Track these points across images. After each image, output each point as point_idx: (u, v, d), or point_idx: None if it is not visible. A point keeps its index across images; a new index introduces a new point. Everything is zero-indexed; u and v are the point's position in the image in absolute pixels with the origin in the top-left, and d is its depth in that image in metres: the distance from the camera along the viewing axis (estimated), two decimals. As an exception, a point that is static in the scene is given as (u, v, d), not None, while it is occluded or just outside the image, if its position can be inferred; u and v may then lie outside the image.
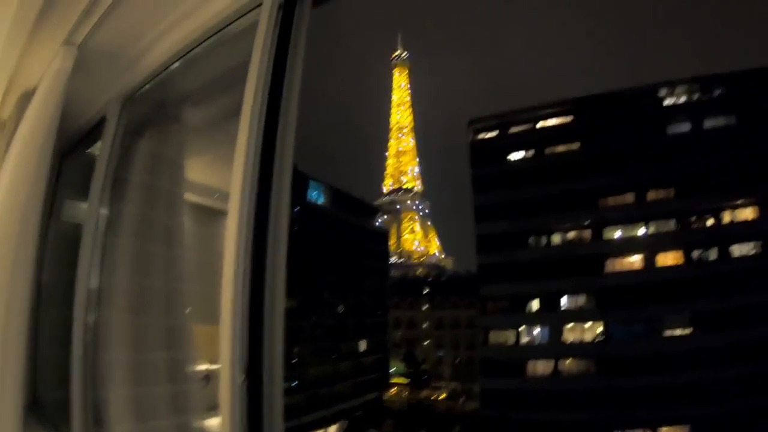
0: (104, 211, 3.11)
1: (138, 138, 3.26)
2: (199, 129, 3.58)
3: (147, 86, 3.08)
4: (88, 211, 3.14)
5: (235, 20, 2.37)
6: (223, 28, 2.44)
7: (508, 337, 54.70)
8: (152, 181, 3.19)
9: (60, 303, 3.23)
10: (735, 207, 49.19)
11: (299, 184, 66.16)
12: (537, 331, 54.11)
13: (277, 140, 1.94)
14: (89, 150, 3.85)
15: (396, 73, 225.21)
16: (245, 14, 2.29)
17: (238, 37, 2.30)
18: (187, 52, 2.71)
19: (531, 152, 58.69)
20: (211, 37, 2.53)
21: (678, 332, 48.09)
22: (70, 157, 3.96)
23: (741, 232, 48.28)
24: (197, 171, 3.85)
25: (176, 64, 2.84)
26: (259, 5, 2.15)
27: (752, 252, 47.78)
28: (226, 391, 1.75)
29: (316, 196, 70.92)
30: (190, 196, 3.61)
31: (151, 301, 3.06)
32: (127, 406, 2.88)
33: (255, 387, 1.73)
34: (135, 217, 3.12)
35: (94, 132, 3.58)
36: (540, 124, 59.86)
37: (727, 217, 49.47)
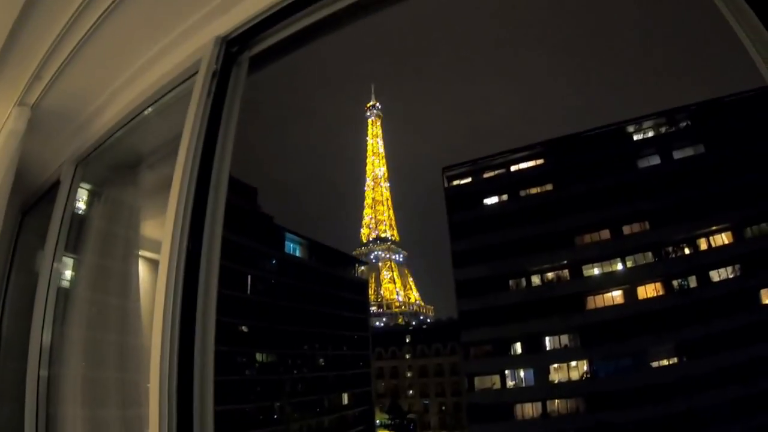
0: (57, 266, 3.13)
1: (95, 198, 3.37)
2: (156, 191, 3.69)
3: (100, 149, 3.14)
4: (42, 269, 3.16)
5: (177, 85, 2.48)
6: (167, 93, 2.56)
7: (494, 381, 53.85)
8: (106, 245, 3.25)
9: (19, 357, 3.19)
10: (710, 234, 50.06)
11: (276, 237, 66.10)
12: (523, 373, 53.44)
13: (209, 202, 2.01)
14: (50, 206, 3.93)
15: (370, 123, 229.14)
16: (186, 80, 2.39)
17: (184, 101, 2.33)
18: (136, 116, 2.82)
19: (505, 196, 59.37)
20: (157, 101, 2.64)
21: (665, 362, 47.86)
22: (31, 212, 4.00)
23: (719, 257, 48.93)
24: (154, 229, 3.91)
25: (128, 127, 2.93)
26: (196, 73, 2.25)
27: (732, 275, 48.40)
28: None
29: (293, 248, 70.63)
30: (146, 253, 3.59)
31: (104, 354, 3.04)
32: None
33: None
34: (90, 275, 3.19)
35: (53, 189, 3.63)
36: (513, 168, 60.89)
37: (703, 244, 50.29)
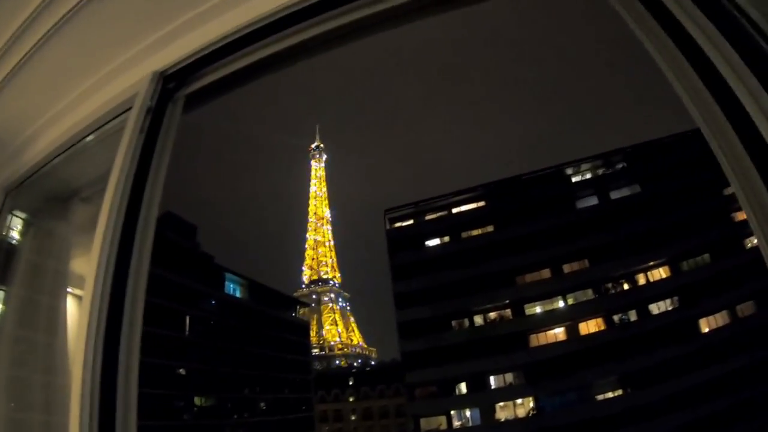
0: None
1: (26, 229, 3.25)
2: (88, 225, 3.65)
3: (32, 179, 3.06)
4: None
5: (113, 118, 2.46)
6: (103, 125, 2.53)
7: (440, 422, 53.40)
8: (35, 278, 3.12)
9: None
10: (648, 269, 52.43)
11: (216, 277, 64.51)
12: (469, 413, 53.30)
13: (136, 239, 1.99)
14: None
15: (313, 164, 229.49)
16: (122, 113, 2.37)
17: (119, 135, 2.33)
18: (70, 146, 2.75)
19: (447, 237, 60.28)
20: (92, 133, 2.61)
21: (610, 394, 48.98)
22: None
23: (657, 291, 51.21)
24: (84, 265, 3.83)
25: (62, 158, 2.86)
26: (130, 108, 2.26)
27: (671, 307, 50.58)
28: None
29: (233, 289, 69.00)
30: (76, 290, 3.47)
31: (29, 394, 2.89)
32: None
33: None
34: (15, 312, 3.05)
35: None
36: (455, 210, 62.09)
37: (641, 279, 52.52)
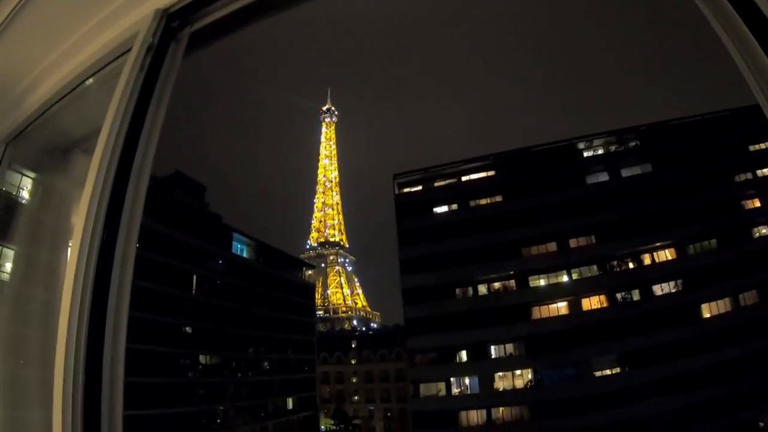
0: None
1: (25, 185, 3.18)
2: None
3: (31, 129, 2.94)
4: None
5: (112, 61, 2.34)
6: (103, 68, 2.40)
7: (440, 388, 54.22)
8: (35, 233, 3.09)
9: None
10: (654, 249, 52.38)
11: (223, 236, 64.78)
12: (468, 381, 54.04)
13: (129, 185, 1.87)
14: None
15: (324, 127, 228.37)
16: (121, 56, 2.25)
17: (117, 81, 2.17)
18: (71, 91, 2.63)
19: (455, 205, 59.98)
20: (92, 75, 2.48)
21: (608, 372, 49.59)
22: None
23: (661, 272, 51.31)
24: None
25: (62, 105, 2.74)
26: (131, 49, 2.12)
27: (674, 290, 50.74)
28: None
29: (240, 249, 69.37)
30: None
31: (29, 350, 2.87)
32: None
33: None
34: (16, 264, 3.03)
35: None
36: (464, 178, 61.65)
37: (647, 259, 52.49)
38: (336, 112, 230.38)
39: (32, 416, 2.58)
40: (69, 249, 3.02)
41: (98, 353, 1.64)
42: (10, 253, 3.01)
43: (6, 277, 3.04)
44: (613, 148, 57.55)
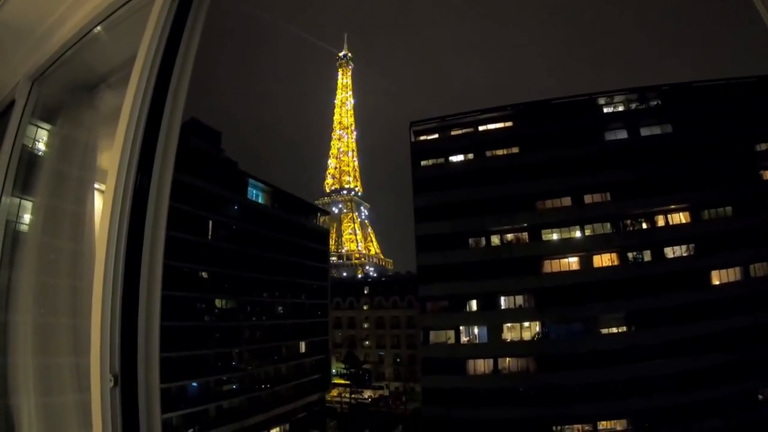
0: (8, 201, 2.96)
1: (50, 122, 3.13)
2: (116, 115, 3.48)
3: (57, 66, 2.92)
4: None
5: None
6: (127, 2, 2.35)
7: (449, 336, 55.26)
8: (62, 168, 3.08)
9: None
10: (669, 212, 52.01)
11: (238, 182, 65.08)
12: (477, 330, 54.98)
13: (162, 123, 1.87)
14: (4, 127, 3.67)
15: (340, 73, 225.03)
16: None
17: (145, 13, 2.13)
18: (96, 25, 2.59)
19: (471, 155, 59.43)
20: (114, 13, 2.43)
21: (614, 330, 50.30)
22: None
23: (674, 235, 51.14)
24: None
25: (87, 41, 2.70)
26: None
27: (686, 254, 50.70)
28: (96, 396, 1.60)
29: (256, 195, 69.72)
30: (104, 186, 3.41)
31: (57, 300, 2.89)
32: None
33: (129, 392, 1.60)
34: (42, 208, 3.01)
35: (7, 110, 3.37)
36: (481, 128, 60.83)
37: (660, 220, 52.22)
38: (351, 57, 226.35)
39: (62, 363, 2.71)
40: (95, 191, 3.09)
41: (134, 298, 1.69)
42: (28, 204, 3.05)
43: (26, 228, 3.06)
44: (633, 105, 56.19)
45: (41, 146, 3.08)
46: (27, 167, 2.99)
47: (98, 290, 1.65)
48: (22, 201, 3.03)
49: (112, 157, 1.80)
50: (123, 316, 1.62)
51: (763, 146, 51.66)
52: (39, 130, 3.07)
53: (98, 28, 2.55)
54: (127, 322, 1.62)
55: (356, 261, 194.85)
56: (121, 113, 1.84)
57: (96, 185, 3.07)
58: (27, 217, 3.00)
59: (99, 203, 3.01)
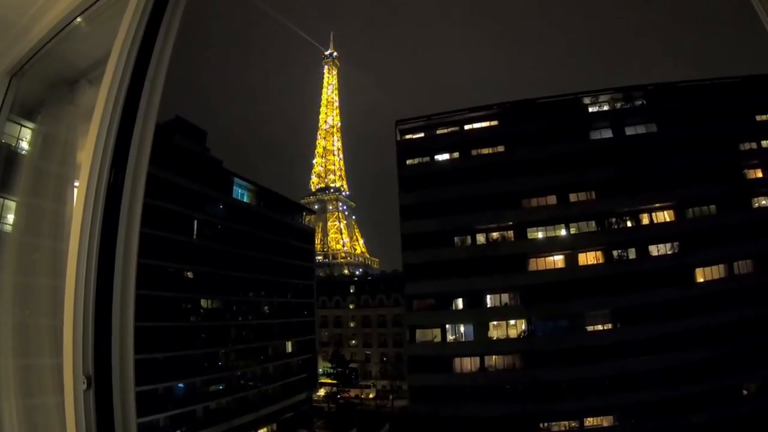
0: None
1: (29, 119, 3.08)
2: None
3: (36, 60, 2.86)
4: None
5: None
6: None
7: (435, 334, 55.38)
8: (42, 165, 3.01)
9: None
10: (653, 210, 52.80)
11: (224, 181, 64.68)
12: (463, 328, 55.14)
13: (137, 119, 1.82)
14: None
15: (326, 72, 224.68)
16: None
17: (122, 6, 2.10)
18: (74, 19, 2.54)
19: (457, 153, 59.63)
20: (94, 4, 2.38)
21: (600, 327, 50.86)
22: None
23: (659, 233, 51.98)
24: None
25: (67, 35, 2.65)
26: None
27: (670, 252, 51.41)
28: (70, 399, 1.58)
29: (241, 194, 69.33)
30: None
31: (38, 300, 2.84)
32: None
33: (103, 395, 1.57)
34: (22, 206, 2.96)
35: None
36: (467, 127, 61.05)
37: (645, 219, 52.94)
38: (337, 56, 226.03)
39: (43, 364, 2.62)
40: (74, 189, 3.02)
41: (107, 298, 1.64)
42: (12, 204, 2.98)
43: (8, 228, 3.02)
44: (618, 105, 56.87)
45: (22, 144, 3.03)
46: (6, 165, 2.95)
47: (71, 289, 1.63)
48: (3, 200, 3.01)
49: (86, 153, 1.78)
50: (96, 315, 1.60)
51: (746, 145, 52.58)
52: (18, 126, 3.02)
53: (78, 19, 2.50)
54: (100, 321, 1.60)
55: (342, 260, 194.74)
56: (95, 108, 1.81)
57: (76, 183, 3.02)
58: (9, 217, 2.95)
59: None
